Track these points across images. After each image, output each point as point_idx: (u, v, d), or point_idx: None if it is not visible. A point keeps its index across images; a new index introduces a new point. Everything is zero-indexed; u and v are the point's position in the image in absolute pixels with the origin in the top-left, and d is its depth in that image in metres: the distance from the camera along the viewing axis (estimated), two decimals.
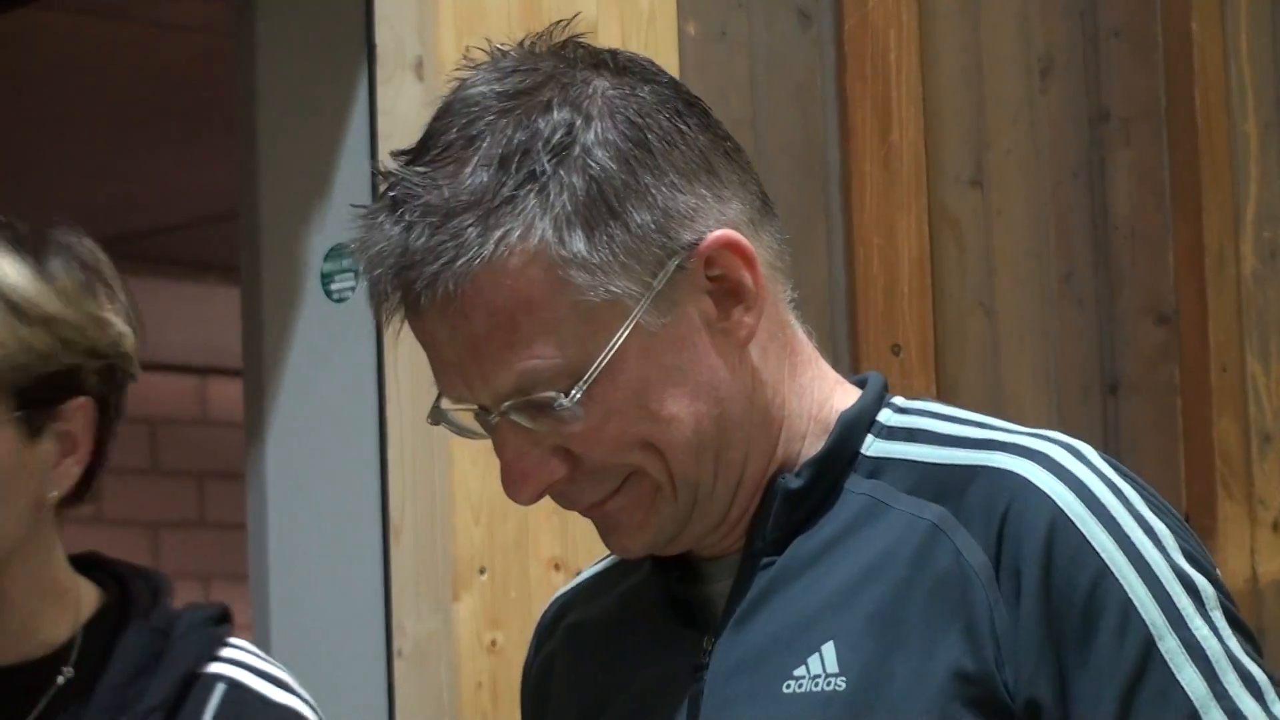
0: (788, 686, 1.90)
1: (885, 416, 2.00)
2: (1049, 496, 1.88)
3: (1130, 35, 4.32)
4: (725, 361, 1.93)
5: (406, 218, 1.85)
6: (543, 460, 1.91)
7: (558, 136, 1.87)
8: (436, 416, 1.96)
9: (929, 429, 1.99)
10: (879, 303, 4.03)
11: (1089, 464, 1.92)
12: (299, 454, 4.01)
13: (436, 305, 1.84)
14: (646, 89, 1.94)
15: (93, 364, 2.60)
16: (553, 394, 1.86)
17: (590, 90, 1.91)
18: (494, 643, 3.73)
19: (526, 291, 1.85)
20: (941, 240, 4.04)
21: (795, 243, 2.09)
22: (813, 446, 1.98)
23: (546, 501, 3.72)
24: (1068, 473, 1.90)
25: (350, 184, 3.93)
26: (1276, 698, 1.87)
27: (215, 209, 6.38)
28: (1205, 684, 1.85)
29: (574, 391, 1.86)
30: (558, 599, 2.23)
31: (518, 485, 1.94)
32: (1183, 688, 1.84)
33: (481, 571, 3.73)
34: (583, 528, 3.81)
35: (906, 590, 1.89)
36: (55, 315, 2.57)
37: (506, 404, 1.87)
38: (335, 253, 3.95)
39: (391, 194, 1.87)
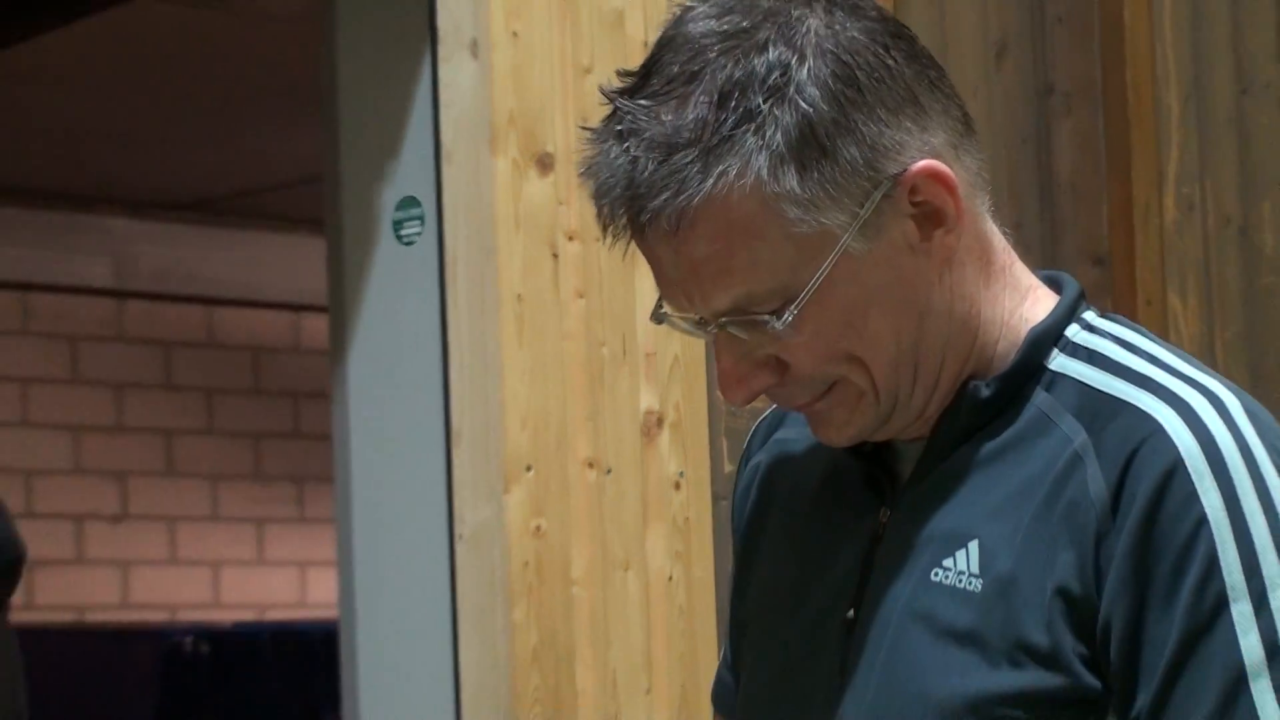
0: (935, 574, 1.85)
1: (1073, 332, 1.90)
2: (1175, 445, 1.77)
3: (1071, 22, 4.29)
4: (925, 279, 1.85)
5: (632, 151, 1.77)
6: (755, 368, 1.85)
7: (774, 77, 1.76)
8: (660, 317, 1.89)
9: (1106, 354, 1.88)
10: None
11: (1228, 418, 1.81)
12: (375, 374, 4.01)
13: (660, 233, 1.78)
14: (857, 26, 1.81)
15: None
16: (766, 315, 1.80)
17: (804, 29, 1.78)
18: (538, 528, 3.75)
19: (743, 224, 1.77)
20: None
21: None
22: (1004, 354, 1.90)
23: (581, 408, 3.74)
24: (1201, 424, 1.79)
25: (417, 146, 3.90)
26: None
27: (304, 172, 6.38)
28: (1264, 653, 1.73)
29: (785, 315, 1.79)
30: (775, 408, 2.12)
31: (733, 390, 1.88)
32: (1240, 651, 1.74)
33: (528, 469, 3.73)
34: (614, 431, 3.87)
35: (1045, 511, 1.81)
36: None
37: (723, 319, 1.82)
38: (405, 203, 3.91)
39: (618, 126, 1.78)
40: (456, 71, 3.77)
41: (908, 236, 1.82)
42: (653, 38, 2.01)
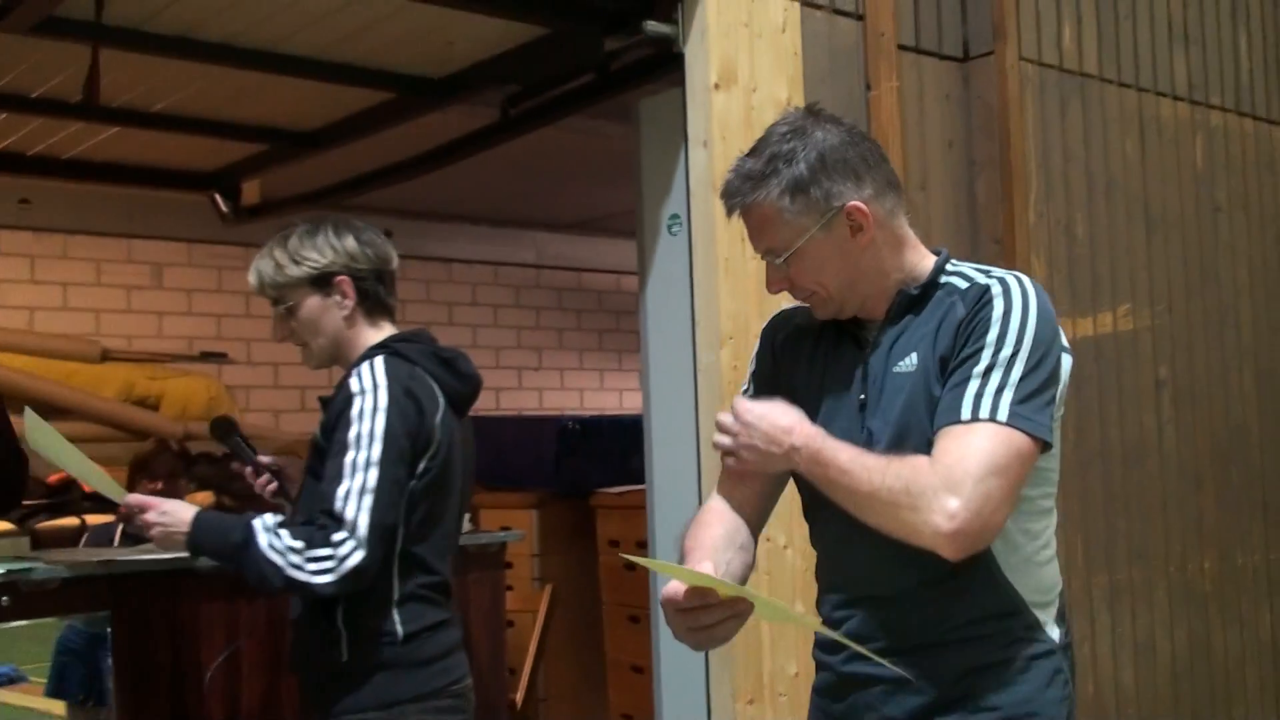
0: (896, 368, 1.86)
1: (949, 265, 1.93)
2: (993, 293, 1.83)
3: (985, 128, 4.16)
4: (855, 254, 1.88)
5: (732, 184, 1.88)
6: (780, 278, 1.91)
7: (787, 156, 1.85)
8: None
9: (964, 271, 1.91)
10: None
11: (1020, 282, 1.85)
12: (659, 297, 3.93)
13: (737, 215, 1.90)
14: (836, 136, 1.88)
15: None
16: (776, 259, 1.89)
17: (809, 136, 1.86)
18: (735, 366, 3.66)
19: (766, 218, 1.86)
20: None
21: None
22: (919, 277, 1.91)
23: (754, 310, 3.74)
24: (1008, 288, 1.83)
25: (678, 190, 3.82)
26: (1011, 394, 1.76)
27: (623, 209, 6.39)
28: (984, 369, 1.77)
29: (782, 259, 1.88)
30: (783, 311, 2.10)
31: (769, 287, 1.94)
32: (977, 373, 1.77)
33: (730, 338, 3.66)
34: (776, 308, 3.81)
35: (938, 334, 1.85)
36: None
37: (765, 255, 1.91)
38: (673, 217, 3.85)
39: (731, 171, 1.90)
40: (696, 155, 3.70)
41: (845, 234, 1.87)
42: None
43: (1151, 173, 4.59)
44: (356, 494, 2.25)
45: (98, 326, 6.40)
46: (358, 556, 2.23)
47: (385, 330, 2.50)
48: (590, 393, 8.04)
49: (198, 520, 2.32)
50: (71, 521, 5.17)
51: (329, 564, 2.23)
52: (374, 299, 2.49)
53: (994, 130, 4.14)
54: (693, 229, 3.73)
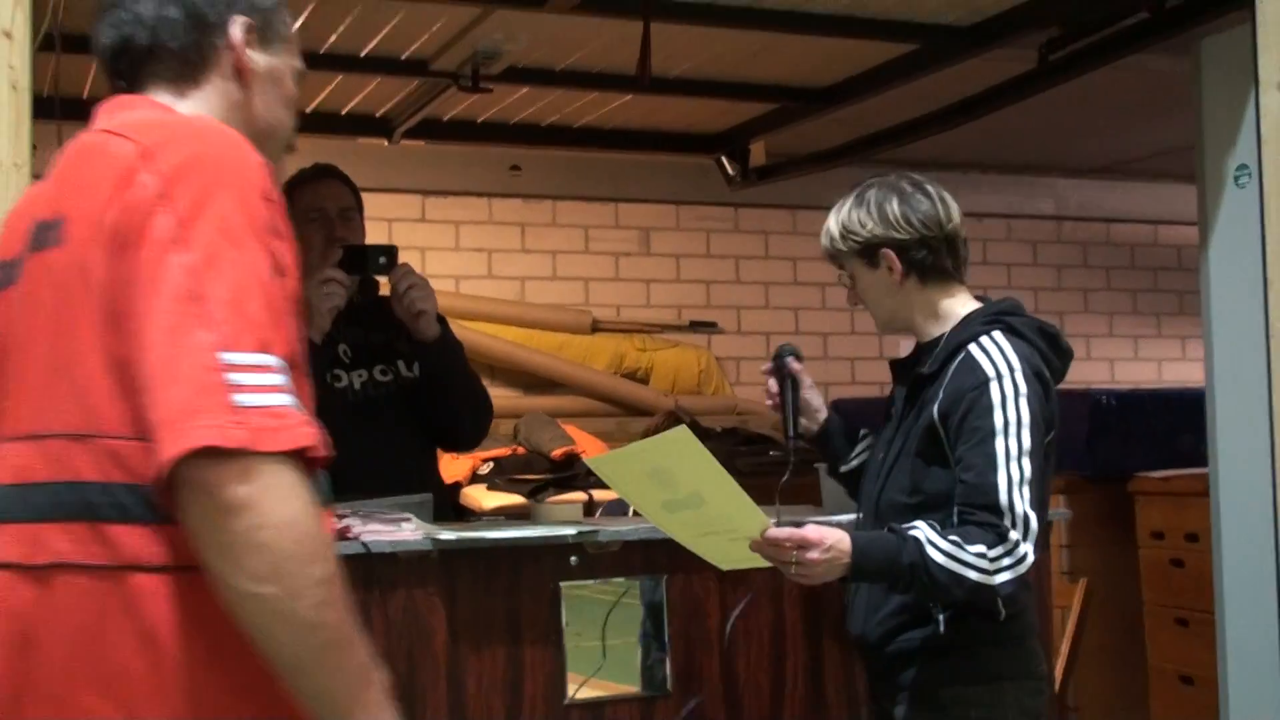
0: None
1: None
2: None
3: None
4: None
5: None
6: None
7: None
8: None
9: None
10: None
11: None
12: (1224, 260, 4.00)
13: None
14: None
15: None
16: None
17: None
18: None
19: None
20: None
21: None
22: None
23: None
24: None
25: (1247, 137, 3.85)
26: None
27: (1160, 149, 6.39)
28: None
29: None
30: None
31: None
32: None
33: None
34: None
35: None
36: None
37: None
38: (1240, 168, 3.92)
39: None
40: (1269, 99, 3.70)
41: None
42: None
43: None
44: (1018, 485, 2.40)
45: (586, 295, 7.05)
46: (1031, 552, 2.41)
47: (958, 294, 2.68)
48: (1122, 363, 7.83)
49: (857, 546, 2.41)
50: (579, 496, 5.73)
51: (1009, 561, 2.39)
52: (925, 266, 2.63)
53: None
54: (1264, 181, 3.70)
